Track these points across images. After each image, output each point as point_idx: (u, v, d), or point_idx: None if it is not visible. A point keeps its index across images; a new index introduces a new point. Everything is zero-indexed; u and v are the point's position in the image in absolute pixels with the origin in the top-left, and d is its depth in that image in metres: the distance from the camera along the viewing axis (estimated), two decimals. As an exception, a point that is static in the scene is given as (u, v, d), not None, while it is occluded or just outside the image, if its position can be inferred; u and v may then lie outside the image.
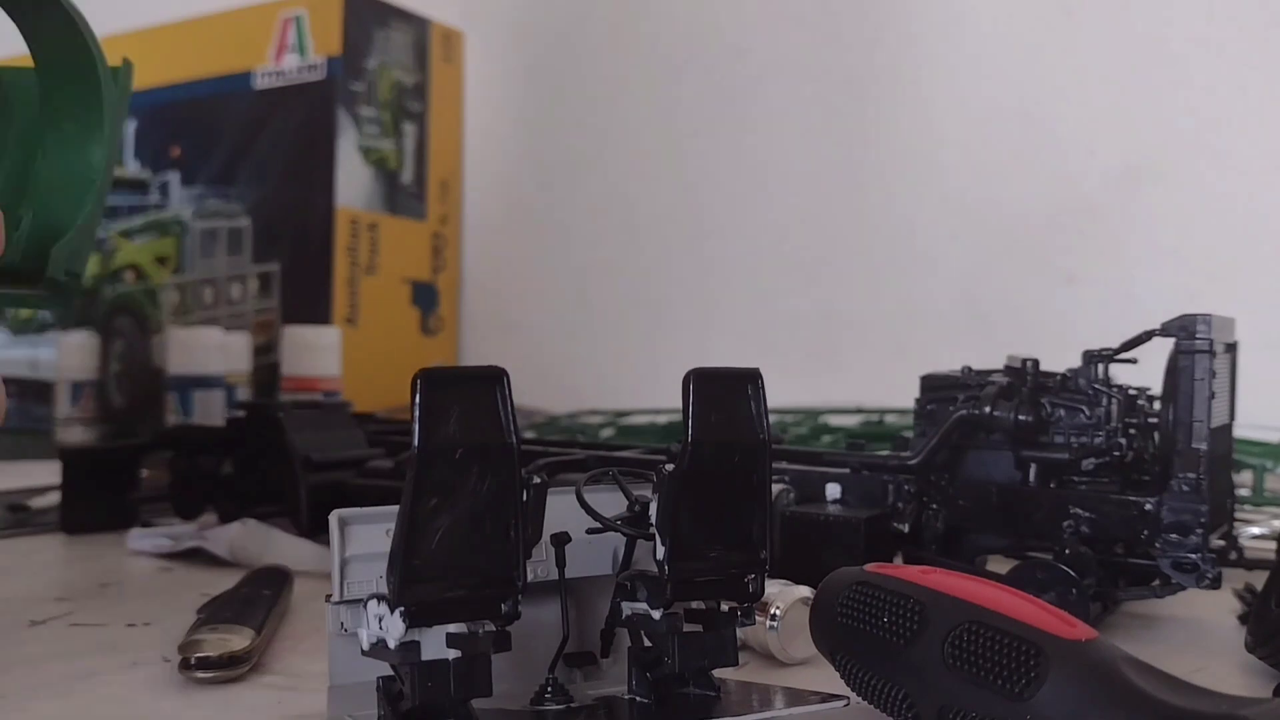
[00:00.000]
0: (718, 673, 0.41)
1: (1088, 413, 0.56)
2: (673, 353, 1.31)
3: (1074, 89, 1.14)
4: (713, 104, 1.33)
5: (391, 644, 0.35)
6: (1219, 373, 0.53)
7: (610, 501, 0.42)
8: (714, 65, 1.33)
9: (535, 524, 0.37)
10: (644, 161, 1.38)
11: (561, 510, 0.40)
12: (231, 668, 0.46)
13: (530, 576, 0.37)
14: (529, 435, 0.89)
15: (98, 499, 0.81)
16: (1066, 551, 0.53)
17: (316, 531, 0.73)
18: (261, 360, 1.30)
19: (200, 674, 0.46)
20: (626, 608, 0.40)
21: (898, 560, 0.58)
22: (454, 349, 1.48)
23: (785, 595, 0.49)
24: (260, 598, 0.55)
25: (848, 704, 0.40)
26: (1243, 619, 0.57)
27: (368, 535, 0.38)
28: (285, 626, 0.55)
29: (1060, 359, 0.60)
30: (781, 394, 0.91)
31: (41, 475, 1.00)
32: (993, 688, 0.33)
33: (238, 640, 0.47)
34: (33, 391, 1.54)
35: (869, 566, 0.39)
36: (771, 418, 0.40)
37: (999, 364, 0.60)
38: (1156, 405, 0.58)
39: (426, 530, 0.34)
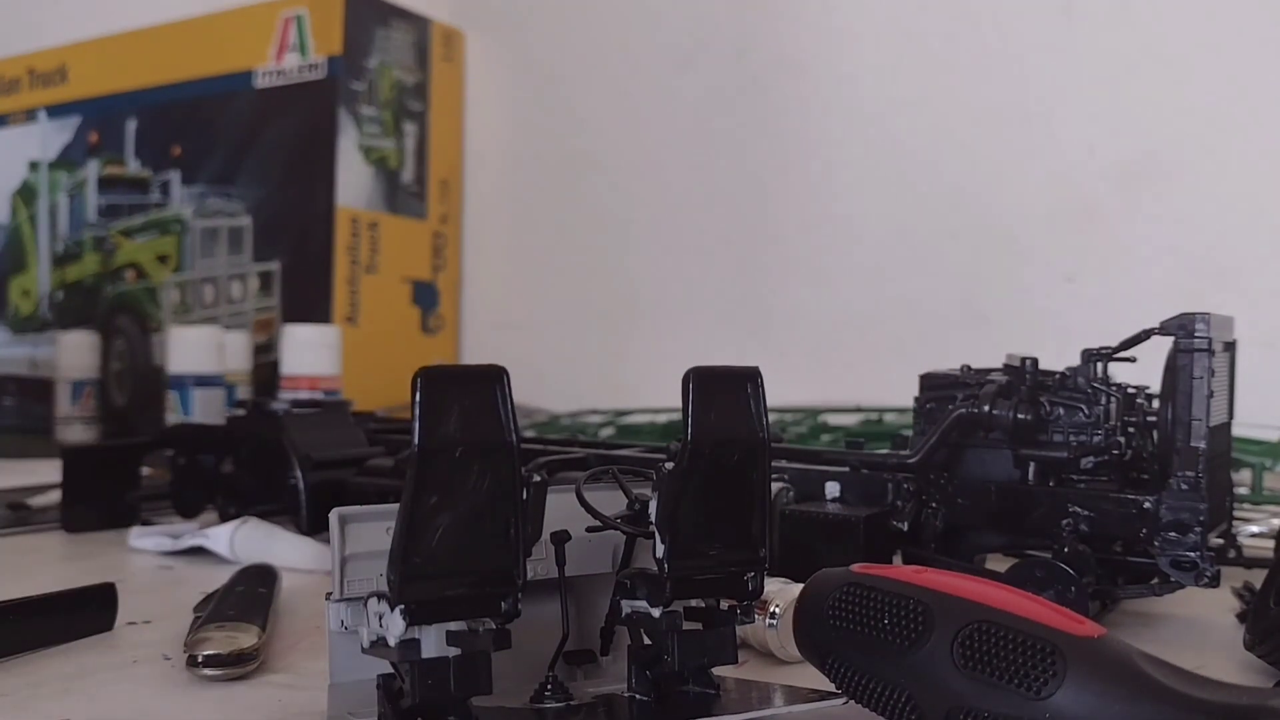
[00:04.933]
0: (717, 670, 0.41)
1: (1086, 411, 0.57)
2: (673, 352, 1.31)
3: (1074, 89, 1.14)
4: (712, 104, 1.33)
5: (392, 642, 0.35)
6: (1218, 371, 0.53)
7: (610, 500, 0.42)
8: (714, 65, 1.33)
9: (535, 522, 0.37)
10: (644, 161, 1.38)
11: (561, 508, 0.40)
12: (240, 665, 0.46)
13: (530, 574, 0.37)
14: (529, 434, 0.89)
15: (98, 497, 0.81)
16: (1065, 550, 0.53)
17: (317, 530, 0.73)
18: (261, 359, 1.31)
19: (208, 671, 0.46)
20: (626, 605, 0.40)
21: (896, 560, 0.58)
22: (454, 348, 1.49)
23: (784, 593, 0.49)
24: (258, 596, 0.55)
25: (846, 702, 0.39)
26: (1241, 617, 0.58)
27: (368, 533, 0.38)
28: (282, 624, 0.55)
29: (1060, 358, 0.60)
30: (781, 393, 0.91)
31: (42, 474, 1.00)
32: (1008, 688, 0.32)
33: (245, 638, 0.47)
34: (33, 390, 1.54)
35: (856, 567, 0.38)
36: (771, 417, 0.40)
37: (998, 363, 0.60)
38: (1155, 404, 0.58)
39: (427, 528, 0.34)
